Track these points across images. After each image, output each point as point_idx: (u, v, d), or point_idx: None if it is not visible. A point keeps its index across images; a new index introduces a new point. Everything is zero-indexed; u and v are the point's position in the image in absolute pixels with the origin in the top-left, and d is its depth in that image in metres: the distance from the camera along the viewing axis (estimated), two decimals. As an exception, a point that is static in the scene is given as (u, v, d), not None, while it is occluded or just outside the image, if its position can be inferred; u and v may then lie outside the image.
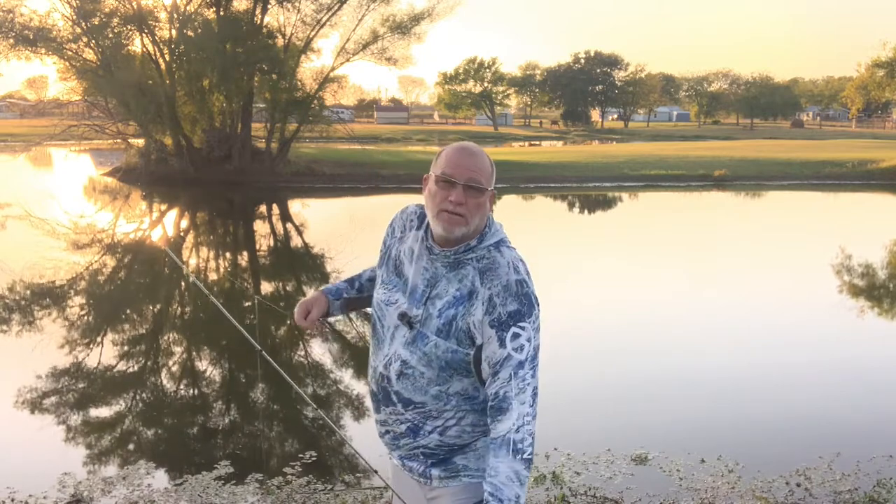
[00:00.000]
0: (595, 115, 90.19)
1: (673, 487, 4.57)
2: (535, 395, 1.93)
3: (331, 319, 2.37)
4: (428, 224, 2.07)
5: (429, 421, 2.07)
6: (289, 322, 9.11)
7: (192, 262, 13.34)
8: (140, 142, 26.76)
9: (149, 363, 7.36)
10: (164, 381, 6.84)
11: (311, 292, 2.68)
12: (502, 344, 1.91)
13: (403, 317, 2.06)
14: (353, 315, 9.03)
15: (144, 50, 25.73)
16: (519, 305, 1.92)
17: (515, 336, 1.91)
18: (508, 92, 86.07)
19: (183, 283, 11.68)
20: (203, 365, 7.47)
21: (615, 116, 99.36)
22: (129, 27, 25.27)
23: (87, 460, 5.09)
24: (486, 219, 2.02)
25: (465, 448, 2.10)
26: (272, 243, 15.65)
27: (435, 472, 2.12)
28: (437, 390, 2.03)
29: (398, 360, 2.06)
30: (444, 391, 2.03)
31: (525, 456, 1.88)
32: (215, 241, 15.72)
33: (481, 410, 2.04)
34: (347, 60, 27.47)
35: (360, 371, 7.22)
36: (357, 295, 2.42)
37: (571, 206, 23.28)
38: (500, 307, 1.93)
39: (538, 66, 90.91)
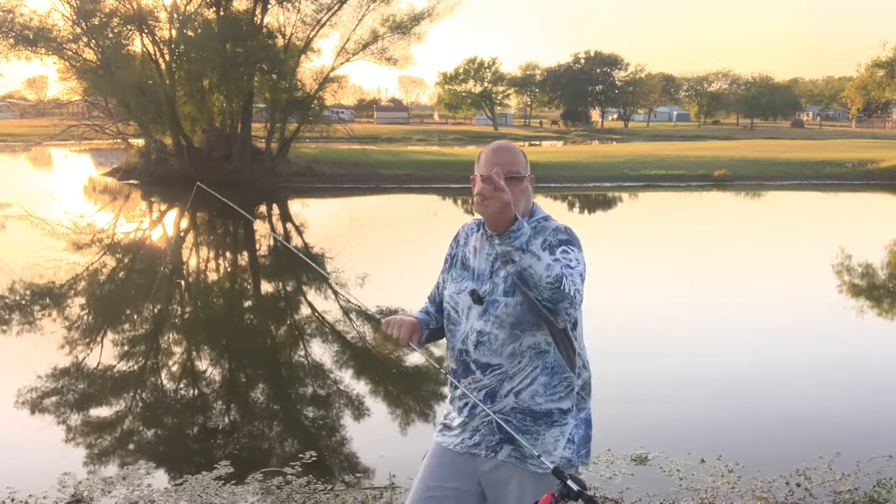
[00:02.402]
0: (595, 115, 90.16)
1: (673, 487, 4.57)
2: (579, 290, 2.11)
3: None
4: (484, 222, 2.28)
5: (505, 382, 2.29)
6: (288, 322, 9.13)
7: (192, 261, 13.34)
8: (140, 142, 26.76)
9: (149, 363, 7.35)
10: (164, 381, 6.84)
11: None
12: (552, 254, 2.19)
13: (473, 293, 2.33)
14: (353, 316, 9.04)
15: (144, 50, 25.74)
16: (568, 237, 2.28)
17: (564, 252, 2.21)
18: (508, 92, 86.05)
19: (183, 283, 11.68)
20: (203, 365, 7.47)
21: (615, 116, 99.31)
22: (129, 27, 25.27)
23: (87, 460, 5.09)
24: (531, 202, 2.37)
25: (535, 426, 2.28)
26: (272, 243, 15.65)
27: (506, 449, 2.32)
28: (512, 348, 2.26)
29: (474, 332, 2.31)
30: (517, 349, 2.27)
31: (563, 275, 2.04)
32: (215, 241, 15.72)
33: (552, 372, 2.27)
34: (347, 60, 27.48)
35: (361, 371, 7.22)
36: (436, 327, 2.57)
37: (571, 206, 23.27)
38: (552, 238, 2.27)
39: (538, 66, 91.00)
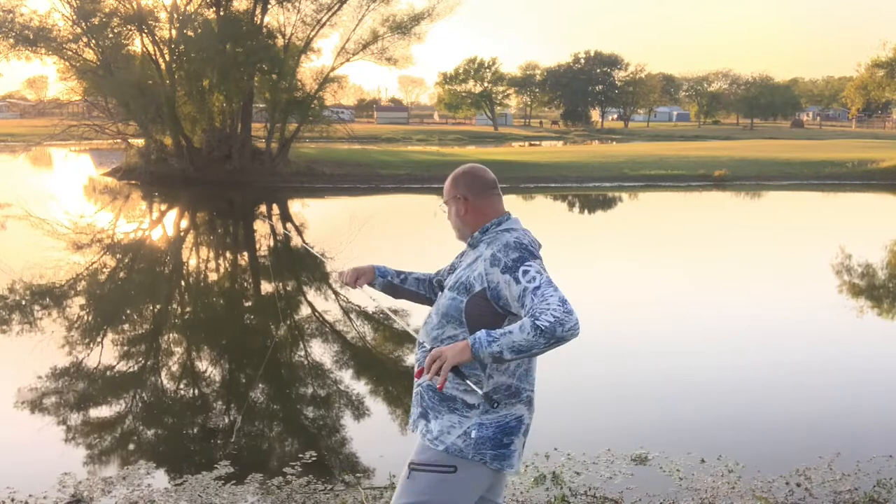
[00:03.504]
0: (595, 115, 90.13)
1: (673, 487, 4.57)
2: (562, 301, 2.24)
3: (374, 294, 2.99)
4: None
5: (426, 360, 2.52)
6: (288, 322, 9.13)
7: (192, 261, 13.34)
8: (140, 142, 26.76)
9: (149, 363, 7.36)
10: (164, 381, 6.84)
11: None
12: (517, 281, 2.34)
13: (439, 283, 2.78)
14: (353, 316, 9.04)
15: (144, 50, 25.73)
16: (520, 253, 2.40)
17: (525, 272, 2.34)
18: (508, 92, 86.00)
19: (183, 283, 11.69)
20: (203, 365, 7.47)
21: (615, 116, 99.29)
22: (129, 27, 25.26)
23: (87, 460, 5.09)
24: (470, 217, 2.59)
25: (440, 406, 2.50)
26: (272, 243, 15.66)
27: (421, 423, 2.57)
28: (437, 333, 2.55)
29: (429, 314, 2.66)
30: (440, 335, 2.54)
31: (538, 322, 2.19)
32: (215, 241, 15.72)
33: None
34: (347, 60, 27.47)
35: (360, 371, 7.22)
36: (399, 283, 2.96)
37: (571, 206, 23.27)
38: (504, 258, 2.40)
39: (538, 66, 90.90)
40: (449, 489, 2.44)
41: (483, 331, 2.27)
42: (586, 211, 22.75)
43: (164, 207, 21.65)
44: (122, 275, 11.99)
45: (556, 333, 2.19)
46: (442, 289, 2.65)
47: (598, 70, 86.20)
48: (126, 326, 8.89)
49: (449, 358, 2.25)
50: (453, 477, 2.43)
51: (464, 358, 2.25)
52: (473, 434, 2.43)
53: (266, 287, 11.43)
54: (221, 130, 26.20)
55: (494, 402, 2.43)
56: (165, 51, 25.51)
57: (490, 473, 2.50)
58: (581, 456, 4.97)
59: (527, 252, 2.40)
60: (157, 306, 9.99)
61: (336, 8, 26.17)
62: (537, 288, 2.28)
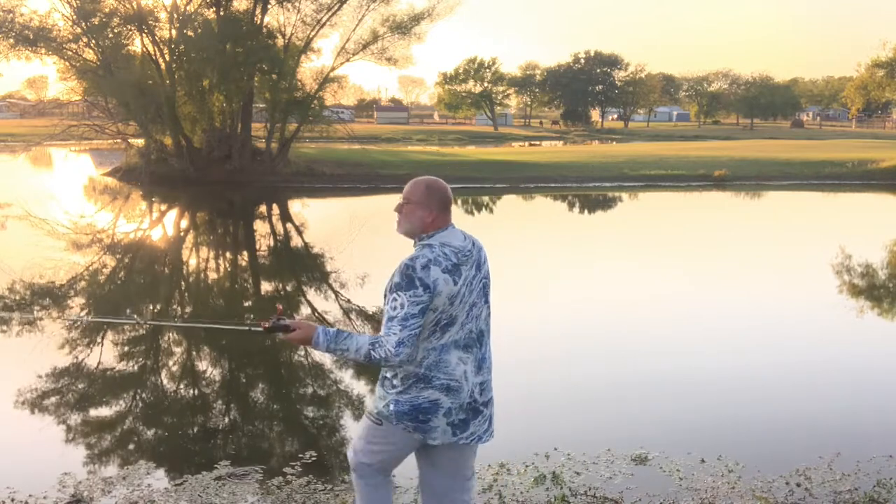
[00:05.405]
0: (595, 115, 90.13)
1: (673, 487, 4.57)
2: (398, 343, 2.73)
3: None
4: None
5: None
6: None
7: (192, 261, 13.34)
8: (140, 142, 26.76)
9: (149, 363, 7.36)
10: (164, 381, 6.84)
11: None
12: (386, 302, 2.81)
13: None
14: (353, 316, 9.04)
15: (144, 50, 25.71)
16: (400, 279, 2.77)
17: (393, 300, 2.77)
18: (508, 92, 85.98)
19: (182, 283, 11.69)
20: (203, 365, 7.47)
21: (615, 116, 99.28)
22: (129, 27, 25.25)
23: (87, 460, 5.09)
24: (430, 227, 2.90)
25: (379, 380, 3.04)
26: (272, 243, 15.66)
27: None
28: None
29: None
30: None
31: (373, 352, 2.76)
32: (215, 241, 15.72)
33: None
34: (347, 60, 27.46)
35: (360, 371, 7.21)
36: None
37: (571, 205, 23.28)
38: (391, 279, 2.82)
39: (538, 66, 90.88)
40: (377, 435, 3.00)
41: (328, 333, 2.80)
42: (586, 211, 22.75)
43: (164, 207, 21.65)
44: (121, 275, 11.99)
45: (379, 364, 2.80)
46: None
47: (598, 70, 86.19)
48: (126, 326, 8.88)
49: (293, 338, 2.85)
50: (380, 428, 2.98)
51: (304, 343, 2.84)
52: (392, 408, 2.91)
53: (266, 286, 11.43)
54: (221, 130, 26.20)
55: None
56: (165, 51, 25.50)
57: (413, 437, 2.93)
58: (581, 456, 4.97)
59: (406, 281, 2.75)
60: (157, 306, 9.99)
61: (336, 8, 26.17)
62: (391, 319, 2.75)
